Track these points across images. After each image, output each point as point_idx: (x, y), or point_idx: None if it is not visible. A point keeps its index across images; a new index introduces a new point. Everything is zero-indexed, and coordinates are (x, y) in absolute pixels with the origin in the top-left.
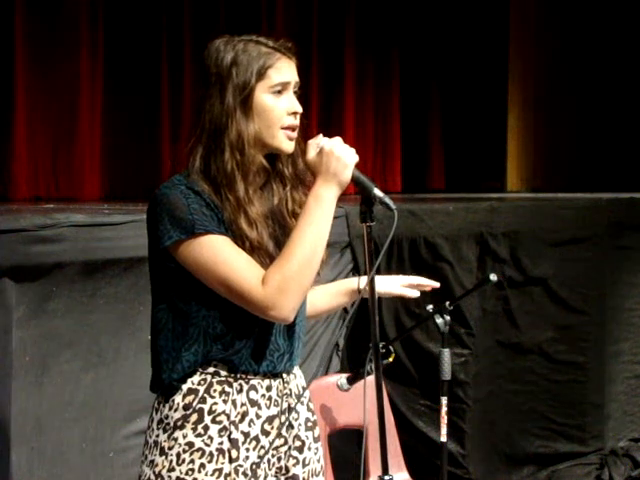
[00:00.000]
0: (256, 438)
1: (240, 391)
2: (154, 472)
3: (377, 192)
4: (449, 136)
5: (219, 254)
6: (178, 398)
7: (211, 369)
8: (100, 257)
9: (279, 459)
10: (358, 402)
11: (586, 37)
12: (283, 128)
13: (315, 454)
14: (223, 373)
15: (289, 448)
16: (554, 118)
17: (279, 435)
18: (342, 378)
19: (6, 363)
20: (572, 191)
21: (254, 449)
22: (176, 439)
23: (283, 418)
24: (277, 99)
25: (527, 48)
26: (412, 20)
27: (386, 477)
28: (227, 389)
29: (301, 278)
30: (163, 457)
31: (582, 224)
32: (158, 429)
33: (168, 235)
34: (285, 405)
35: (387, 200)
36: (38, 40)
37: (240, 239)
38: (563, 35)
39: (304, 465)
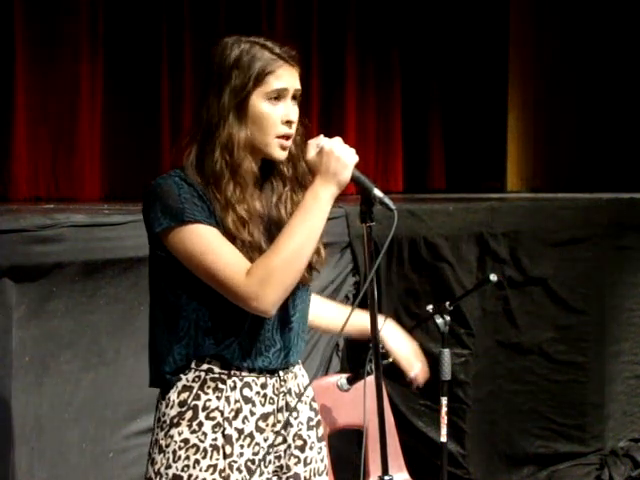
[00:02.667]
0: (250, 435)
1: (234, 388)
2: (154, 470)
3: (377, 192)
4: (449, 136)
5: (206, 244)
6: (173, 395)
7: (205, 366)
8: (100, 257)
9: (279, 458)
10: (358, 402)
11: (586, 37)
12: (278, 137)
13: (318, 453)
14: (216, 370)
15: (289, 447)
16: (554, 118)
17: (276, 433)
18: (342, 378)
19: (6, 363)
20: (572, 191)
21: (249, 446)
22: (172, 436)
23: (280, 416)
24: (273, 106)
25: (527, 48)
26: (412, 20)
27: (386, 477)
28: (220, 386)
29: (285, 273)
30: (161, 455)
31: (582, 224)
32: (157, 427)
33: (158, 222)
34: (282, 403)
35: (387, 200)
36: (38, 40)
37: (230, 237)
38: (563, 35)
39: (306, 464)
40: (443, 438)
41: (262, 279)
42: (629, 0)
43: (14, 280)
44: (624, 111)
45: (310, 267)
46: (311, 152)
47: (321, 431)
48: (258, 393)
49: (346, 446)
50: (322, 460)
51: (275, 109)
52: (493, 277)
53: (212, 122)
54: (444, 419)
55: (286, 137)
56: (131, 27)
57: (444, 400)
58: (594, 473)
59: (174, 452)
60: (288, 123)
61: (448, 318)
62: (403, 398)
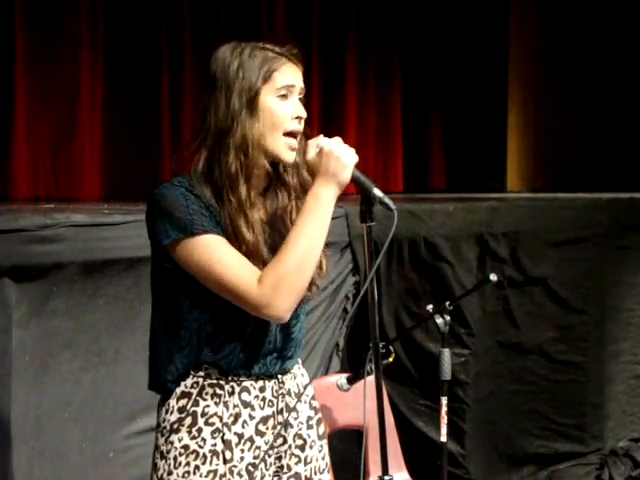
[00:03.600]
0: (250, 439)
1: (232, 393)
2: (157, 476)
3: (377, 192)
4: (450, 136)
5: (216, 253)
6: (173, 402)
7: (202, 372)
8: (100, 257)
9: (279, 458)
10: (358, 402)
11: (586, 37)
12: (286, 133)
13: (319, 451)
14: (214, 376)
15: (289, 447)
16: (554, 118)
17: (277, 435)
18: (342, 378)
19: (6, 363)
20: (572, 191)
21: (249, 450)
22: (172, 442)
23: (280, 418)
24: (282, 103)
25: (527, 48)
26: (413, 20)
27: (386, 477)
28: (219, 391)
29: (296, 277)
30: (163, 461)
31: (582, 224)
32: (158, 433)
33: (166, 234)
34: (282, 405)
35: (387, 200)
36: (38, 40)
37: (237, 242)
38: (563, 35)
39: (306, 463)
40: (443, 438)
41: (274, 286)
42: (630, 0)
43: (14, 280)
44: (624, 111)
45: (310, 283)
46: (311, 152)
47: (322, 429)
48: (257, 397)
49: (346, 446)
50: (323, 458)
51: (284, 105)
52: (493, 277)
53: (224, 125)
54: (444, 419)
55: (295, 135)
56: (131, 27)
57: (444, 400)
58: (594, 473)
59: (175, 458)
60: (298, 119)
61: (448, 318)
62: (403, 398)
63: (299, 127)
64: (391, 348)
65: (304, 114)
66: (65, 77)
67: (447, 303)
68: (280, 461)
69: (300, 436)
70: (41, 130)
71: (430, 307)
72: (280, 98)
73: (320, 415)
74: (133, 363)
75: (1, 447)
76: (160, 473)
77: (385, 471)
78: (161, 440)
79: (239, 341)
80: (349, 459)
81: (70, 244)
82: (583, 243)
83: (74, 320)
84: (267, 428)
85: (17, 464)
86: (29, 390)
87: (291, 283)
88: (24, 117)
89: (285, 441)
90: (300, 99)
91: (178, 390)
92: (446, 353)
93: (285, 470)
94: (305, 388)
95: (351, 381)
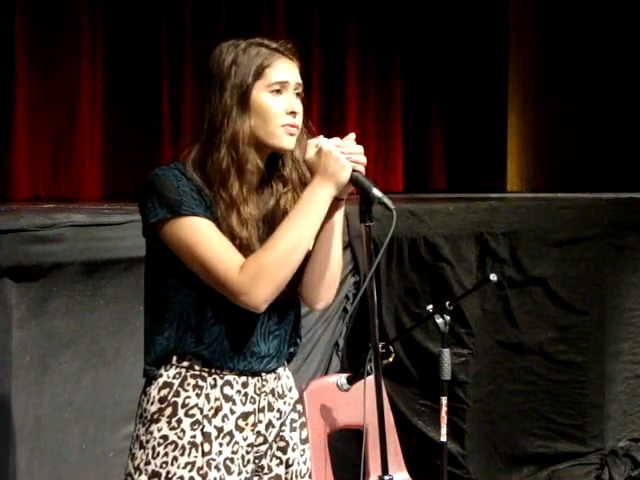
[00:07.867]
0: (230, 433)
1: (214, 386)
2: (134, 465)
3: (376, 192)
4: (450, 136)
5: (201, 236)
6: (154, 391)
7: (185, 363)
8: (100, 257)
9: (259, 458)
10: (358, 402)
11: (586, 36)
12: (283, 127)
13: (301, 455)
14: (197, 367)
15: (270, 447)
16: (554, 118)
17: (257, 433)
18: (342, 378)
19: (6, 363)
20: (572, 191)
21: (228, 444)
22: (152, 432)
23: (261, 416)
24: (275, 98)
25: (527, 48)
26: (414, 21)
27: (386, 477)
28: (201, 383)
29: (277, 270)
30: (141, 451)
31: (582, 224)
32: (138, 423)
33: (154, 213)
34: (264, 403)
35: (386, 200)
36: (38, 40)
37: (231, 238)
38: (563, 35)
39: (288, 466)
40: (443, 438)
41: (254, 275)
42: (629, 0)
43: (14, 280)
44: (624, 111)
45: (297, 279)
46: (310, 152)
47: (305, 433)
48: (239, 392)
49: (346, 446)
50: (305, 462)
51: (277, 100)
52: (493, 277)
53: (215, 121)
54: (444, 419)
55: (291, 126)
56: (131, 27)
57: (444, 400)
58: (594, 473)
59: (153, 448)
60: (292, 114)
61: (448, 318)
62: (403, 398)
63: (294, 121)
64: (391, 348)
65: (298, 109)
66: (65, 77)
67: (447, 303)
68: (260, 461)
69: (282, 438)
70: (41, 130)
71: (430, 307)
72: (273, 94)
73: (304, 419)
74: (133, 363)
75: (1, 447)
76: (137, 462)
77: (385, 471)
78: (141, 430)
79: (221, 333)
80: (349, 459)
81: (70, 244)
82: (583, 243)
83: (74, 320)
84: (247, 424)
85: (17, 464)
86: (29, 390)
87: (272, 274)
88: (24, 117)
89: (265, 441)
90: (298, 94)
91: (160, 380)
92: (446, 353)
93: (266, 471)
94: (290, 390)
95: (351, 381)
